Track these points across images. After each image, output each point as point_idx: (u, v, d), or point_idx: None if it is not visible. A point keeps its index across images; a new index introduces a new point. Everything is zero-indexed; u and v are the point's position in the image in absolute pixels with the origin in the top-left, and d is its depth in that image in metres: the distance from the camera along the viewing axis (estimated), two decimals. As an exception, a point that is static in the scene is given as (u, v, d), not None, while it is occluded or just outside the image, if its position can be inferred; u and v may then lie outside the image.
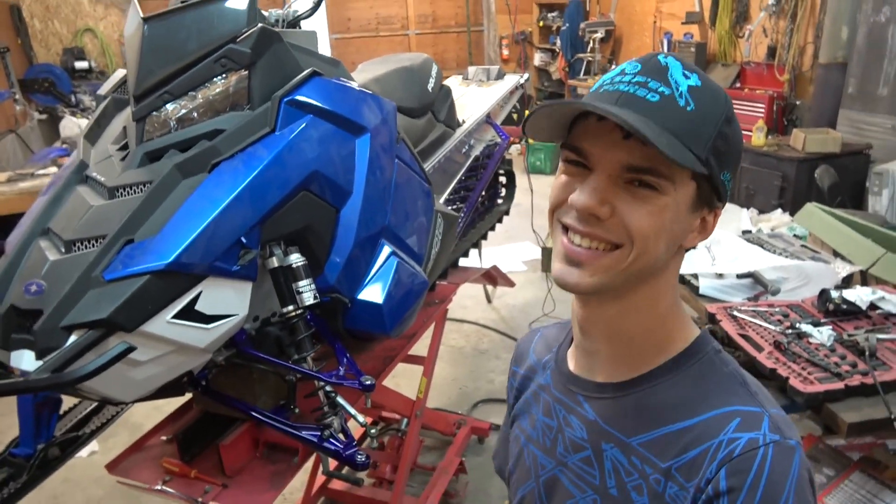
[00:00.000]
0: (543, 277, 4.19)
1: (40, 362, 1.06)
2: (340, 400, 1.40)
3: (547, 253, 4.44)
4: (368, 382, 1.37)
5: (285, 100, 1.32)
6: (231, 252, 1.20)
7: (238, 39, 1.32)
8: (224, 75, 1.33)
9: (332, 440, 1.37)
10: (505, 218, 3.18)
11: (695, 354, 0.70)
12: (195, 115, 1.31)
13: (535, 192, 6.29)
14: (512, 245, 4.76)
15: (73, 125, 4.78)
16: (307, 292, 1.34)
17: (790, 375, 1.64)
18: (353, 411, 1.41)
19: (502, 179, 3.30)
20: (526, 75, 3.38)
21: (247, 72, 1.34)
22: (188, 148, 1.28)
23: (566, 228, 0.66)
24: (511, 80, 3.19)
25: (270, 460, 1.58)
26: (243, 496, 1.46)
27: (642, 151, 0.60)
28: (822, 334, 1.79)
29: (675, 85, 0.62)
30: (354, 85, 1.52)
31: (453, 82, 3.29)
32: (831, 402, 1.60)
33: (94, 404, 1.70)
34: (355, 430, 2.23)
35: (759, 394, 0.66)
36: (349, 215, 1.44)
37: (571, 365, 0.78)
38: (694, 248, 0.70)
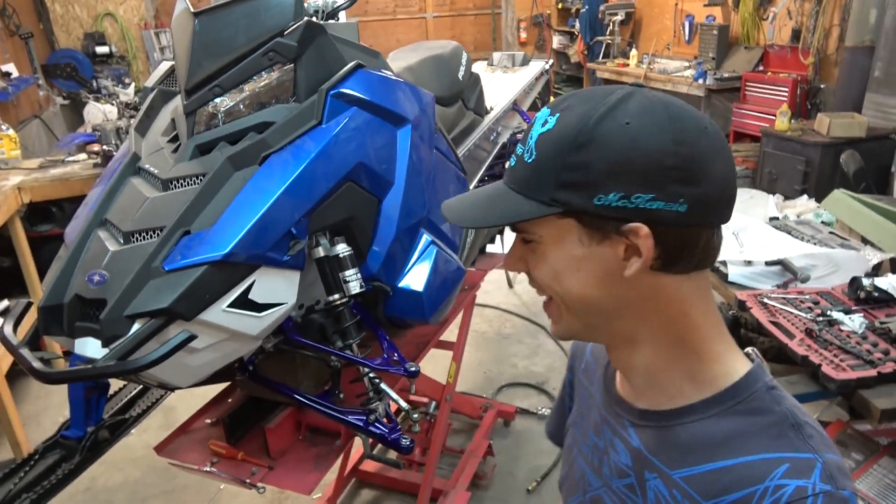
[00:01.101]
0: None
1: (106, 350, 1.10)
2: (384, 386, 1.44)
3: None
4: (413, 369, 1.41)
5: (331, 92, 1.35)
6: (282, 243, 1.24)
7: (285, 33, 1.34)
8: (270, 68, 1.35)
9: (377, 424, 1.41)
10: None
11: (745, 390, 0.66)
12: (242, 107, 1.34)
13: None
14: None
15: (97, 111, 4.83)
16: (353, 281, 1.38)
17: (822, 362, 1.66)
18: (396, 397, 1.45)
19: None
20: (550, 61, 3.37)
21: (292, 65, 1.36)
22: (237, 140, 1.31)
23: None
24: (536, 65, 3.19)
25: (313, 443, 1.62)
26: (289, 477, 1.51)
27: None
28: (854, 322, 1.80)
29: (530, 140, 0.64)
30: (395, 76, 1.54)
31: (479, 68, 3.30)
32: (863, 388, 1.62)
33: (139, 387, 1.76)
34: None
35: (813, 437, 0.63)
36: (391, 205, 1.47)
37: (619, 386, 0.77)
38: (636, 273, 0.63)
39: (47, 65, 5.88)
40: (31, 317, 1.39)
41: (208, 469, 1.54)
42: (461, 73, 2.29)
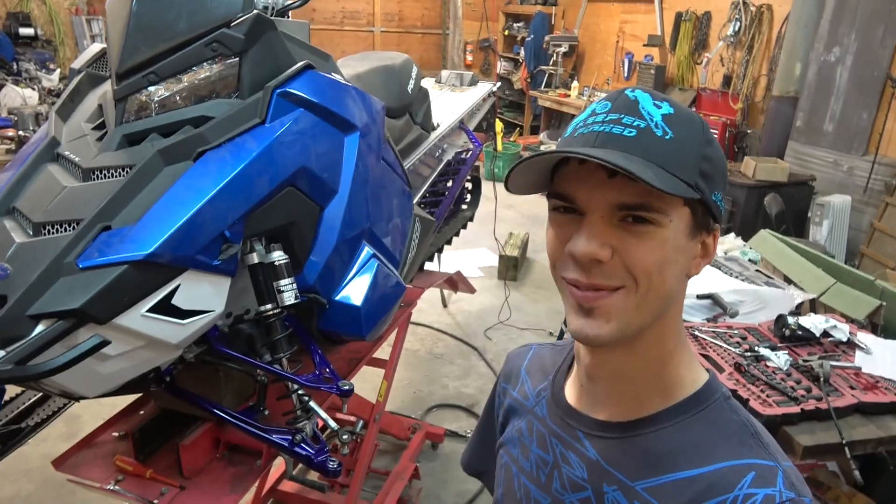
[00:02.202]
0: (500, 285, 4.21)
1: (2, 352, 0.98)
2: (313, 405, 1.36)
3: (504, 261, 4.47)
4: (346, 388, 1.33)
5: (278, 91, 1.28)
6: (213, 246, 1.15)
7: (232, 24, 1.26)
8: (213, 60, 1.27)
9: (303, 445, 1.32)
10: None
11: (704, 400, 0.67)
12: (178, 99, 1.25)
13: (491, 200, 6.34)
14: (469, 251, 4.77)
15: (15, 95, 4.51)
16: (288, 292, 1.30)
17: (750, 397, 1.69)
18: (326, 416, 1.37)
19: (468, 185, 3.30)
20: (498, 83, 3.39)
21: (237, 58, 1.29)
22: (170, 133, 1.22)
23: (570, 283, 0.64)
24: (484, 87, 3.20)
25: (231, 462, 1.52)
26: (202, 499, 1.40)
27: (630, 188, 0.59)
28: (780, 359, 1.85)
29: (648, 117, 0.62)
30: (345, 81, 1.48)
31: (426, 85, 3.27)
32: (787, 425, 1.66)
33: (39, 395, 1.60)
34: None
35: (770, 445, 0.64)
36: (333, 214, 1.41)
37: (570, 398, 0.75)
38: (697, 273, 0.67)
39: (-37, 43, 5.49)
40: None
41: (111, 487, 1.41)
42: (410, 86, 2.25)
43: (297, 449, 1.31)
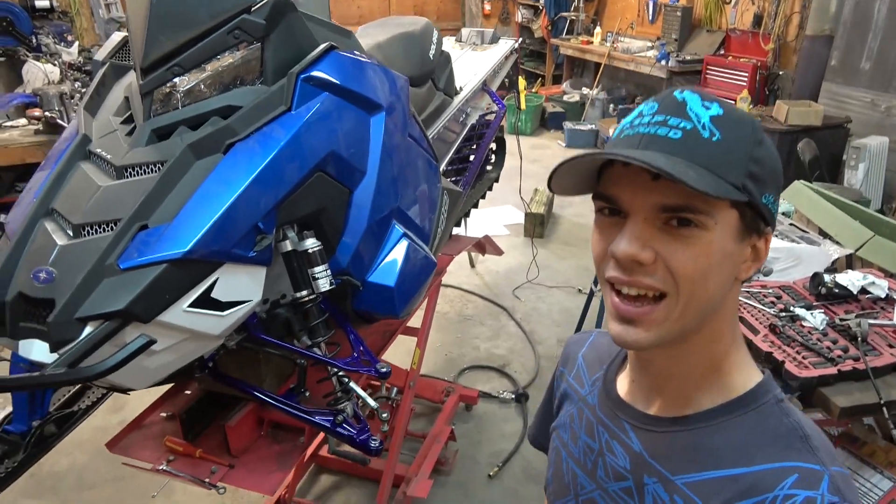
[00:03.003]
0: (527, 243, 4.20)
1: (55, 355, 1.02)
2: (354, 385, 1.39)
3: (530, 218, 4.44)
4: (384, 370, 1.36)
5: (302, 76, 1.26)
6: (248, 238, 1.16)
7: (252, 9, 1.24)
8: (236, 47, 1.25)
9: (345, 425, 1.36)
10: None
11: (755, 400, 0.67)
12: (204, 89, 1.25)
13: (515, 155, 6.25)
14: (494, 209, 4.74)
15: (38, 71, 4.52)
16: (323, 279, 1.31)
17: (786, 359, 1.68)
18: (365, 396, 1.40)
19: (492, 146, 3.26)
20: (520, 40, 3.30)
21: (259, 44, 1.27)
22: (198, 125, 1.22)
23: (613, 285, 0.64)
24: (505, 44, 3.12)
25: (276, 439, 1.57)
26: (251, 477, 1.46)
27: (675, 190, 0.58)
28: (815, 318, 1.83)
29: (696, 118, 0.61)
30: (368, 59, 1.45)
31: (446, 45, 3.20)
32: (824, 386, 1.65)
33: (88, 379, 1.66)
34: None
35: (820, 449, 0.63)
36: (362, 196, 1.40)
37: (621, 390, 0.76)
38: (749, 279, 0.69)
39: (-20, 18, 5.47)
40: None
41: (164, 468, 1.47)
42: (432, 52, 2.21)
43: (339, 430, 1.35)
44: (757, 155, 0.61)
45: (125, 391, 1.25)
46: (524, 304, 3.63)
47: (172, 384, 1.61)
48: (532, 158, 6.14)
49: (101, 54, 1.43)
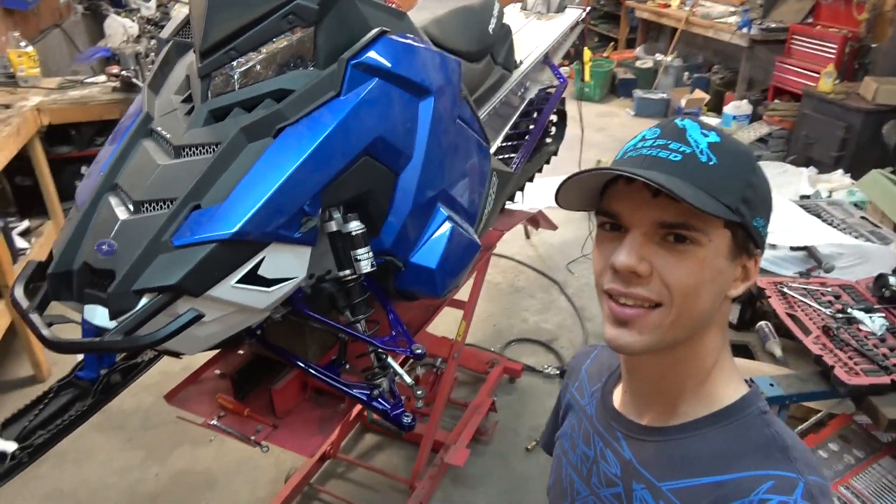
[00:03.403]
0: (584, 217, 4.14)
1: (114, 322, 1.11)
2: (391, 362, 1.44)
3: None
4: (419, 351, 1.40)
5: (352, 62, 1.28)
6: (293, 220, 1.21)
7: (306, -6, 1.26)
8: (290, 32, 1.28)
9: (380, 400, 1.42)
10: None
11: (738, 412, 0.70)
12: (259, 70, 1.29)
13: (578, 123, 6.09)
14: (553, 178, 4.67)
15: (118, 25, 4.69)
16: (364, 260, 1.35)
17: (836, 364, 1.63)
18: (402, 373, 1.45)
19: (553, 118, 3.21)
20: (588, 9, 3.20)
21: (312, 28, 1.29)
22: (253, 107, 1.26)
23: (611, 296, 0.69)
24: (571, 14, 3.03)
25: (318, 404, 1.65)
26: (293, 438, 1.55)
27: (673, 207, 0.63)
28: (874, 322, 1.76)
29: (694, 144, 0.66)
30: (420, 43, 1.46)
31: (511, 12, 3.14)
32: (875, 395, 1.60)
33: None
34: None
35: (799, 460, 0.66)
36: (408, 179, 1.43)
37: (617, 402, 0.81)
38: (739, 296, 0.71)
39: (68, -29, 5.69)
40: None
41: (214, 423, 1.58)
42: (492, 26, 2.18)
43: (374, 403, 1.42)
44: (751, 181, 0.66)
45: (177, 356, 1.34)
46: (577, 279, 3.61)
47: (236, 347, 1.71)
48: (598, 127, 6.00)
49: (165, 32, 1.49)
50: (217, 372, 1.74)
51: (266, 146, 1.21)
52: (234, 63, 1.27)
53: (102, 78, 3.42)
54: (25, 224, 3.09)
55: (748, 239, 0.68)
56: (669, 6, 6.59)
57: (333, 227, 1.35)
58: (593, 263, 0.72)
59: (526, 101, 2.52)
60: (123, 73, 3.18)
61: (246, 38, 1.25)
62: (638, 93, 6.30)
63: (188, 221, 1.14)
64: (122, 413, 2.65)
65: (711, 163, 0.65)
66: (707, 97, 5.93)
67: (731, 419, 0.70)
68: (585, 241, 3.86)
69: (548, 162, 3.06)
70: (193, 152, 1.22)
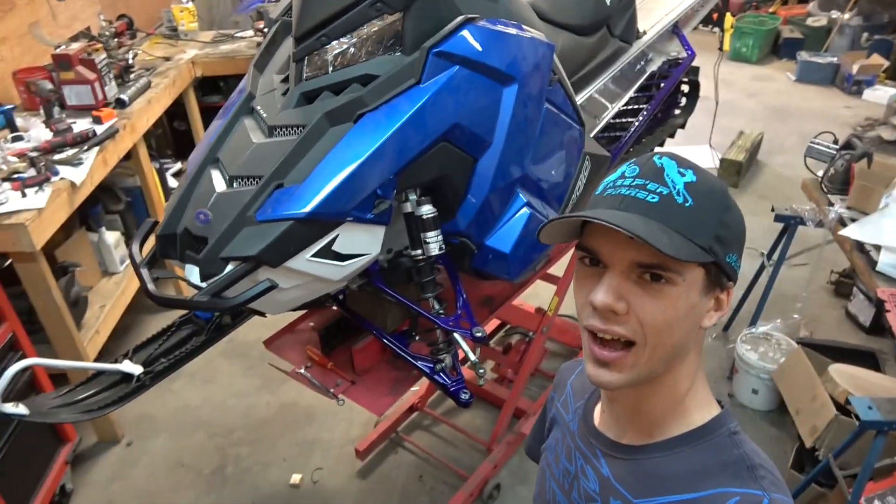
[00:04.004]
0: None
1: (204, 284, 1.26)
2: (458, 337, 1.51)
3: (725, 165, 4.08)
4: (479, 335, 1.45)
5: (434, 51, 1.31)
6: (366, 202, 1.29)
7: (395, -18, 1.30)
8: (379, 18, 1.33)
9: (441, 374, 1.50)
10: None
11: (710, 433, 0.74)
12: (347, 57, 1.35)
13: (729, 86, 5.63)
14: (689, 148, 4.41)
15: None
16: (433, 243, 1.41)
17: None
18: (468, 350, 1.52)
19: (684, 88, 3.02)
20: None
21: (400, 14, 1.33)
22: (341, 90, 1.34)
23: (591, 333, 0.72)
24: (713, -23, 2.80)
25: (394, 367, 1.77)
26: (367, 395, 1.68)
27: (649, 249, 0.64)
28: None
29: (671, 184, 0.67)
30: (511, 28, 1.45)
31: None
32: None
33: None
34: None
35: (766, 478, 0.69)
36: (487, 164, 1.45)
37: (597, 419, 0.84)
38: (711, 324, 0.73)
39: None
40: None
41: (301, 372, 1.75)
42: (610, -3, 2.08)
43: (436, 377, 1.50)
44: (724, 219, 0.69)
45: (262, 314, 1.50)
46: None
47: (319, 308, 1.87)
48: (750, 92, 5.52)
49: (274, 12, 1.59)
50: (311, 324, 1.90)
51: (346, 131, 1.28)
52: (326, 48, 1.35)
53: (250, 32, 3.68)
54: (178, 166, 3.47)
55: (721, 274, 0.70)
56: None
57: (409, 208, 1.41)
58: (574, 296, 0.75)
59: (646, 75, 2.40)
60: (266, 29, 3.40)
61: (337, 25, 1.32)
62: (803, 55, 5.67)
63: (271, 199, 1.25)
64: (246, 344, 2.97)
65: (687, 204, 0.67)
66: (886, 63, 5.22)
67: (703, 439, 0.74)
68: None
69: (672, 136, 2.90)
70: (284, 132, 1.33)
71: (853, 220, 2.07)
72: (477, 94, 1.38)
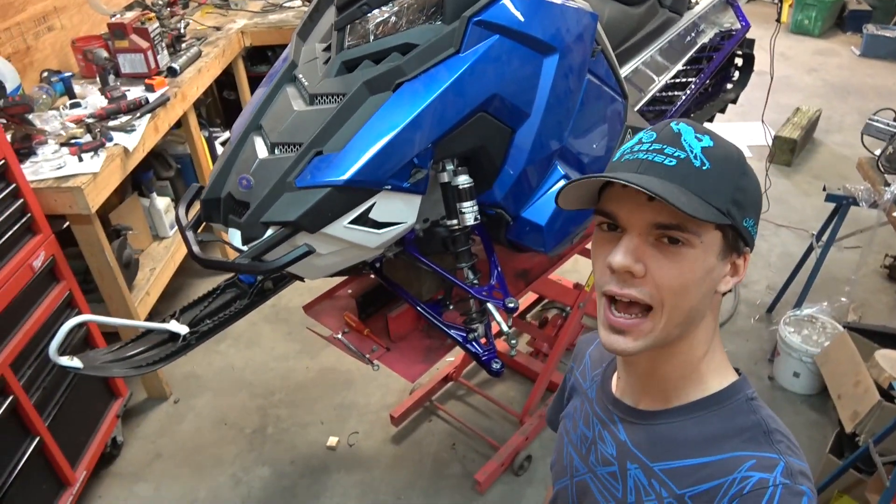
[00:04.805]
0: (773, 170, 3.75)
1: (245, 248, 1.30)
2: (491, 307, 1.52)
3: (778, 143, 3.95)
4: (511, 305, 1.46)
5: (474, 20, 1.31)
6: (403, 171, 1.30)
7: (436, -50, 1.30)
8: (420, -15, 1.33)
9: (474, 343, 1.52)
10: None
11: (727, 399, 0.75)
12: (388, 26, 1.36)
13: (788, 61, 5.42)
14: (742, 124, 4.28)
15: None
16: (469, 213, 1.42)
17: None
18: (500, 320, 1.53)
19: (738, 61, 2.92)
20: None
21: (442, -18, 1.33)
22: (382, 59, 1.35)
23: (608, 299, 0.72)
24: (776, -58, 2.68)
25: (428, 336, 1.80)
26: (400, 362, 1.72)
27: (667, 210, 0.65)
28: None
29: (689, 148, 0.68)
30: (552, -4, 1.43)
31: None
32: None
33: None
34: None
35: (782, 442, 0.70)
36: (524, 136, 1.45)
37: (614, 386, 0.85)
38: (727, 290, 0.73)
39: None
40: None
41: (339, 337, 1.79)
42: (660, -35, 2.02)
43: (468, 346, 1.52)
44: (742, 184, 0.69)
45: (302, 279, 1.54)
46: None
47: (356, 275, 1.90)
48: (810, 67, 5.29)
49: (318, -19, 1.60)
50: (349, 291, 1.95)
51: (384, 100, 1.30)
52: (367, 17, 1.36)
53: (298, 2, 3.70)
54: (227, 134, 3.55)
55: (738, 238, 0.70)
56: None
57: (445, 178, 1.43)
58: (592, 262, 0.75)
59: (696, 46, 2.33)
60: (312, -1, 3.41)
61: (378, -7, 1.33)
62: (870, 28, 5.39)
63: (310, 166, 1.28)
64: (288, 309, 3.05)
65: (705, 167, 0.67)
66: (961, 37, 4.93)
67: (720, 405, 0.74)
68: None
69: (722, 111, 2.82)
70: (324, 100, 1.35)
71: (910, 202, 1.99)
72: (516, 64, 1.37)
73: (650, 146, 0.69)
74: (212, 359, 2.81)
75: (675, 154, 0.67)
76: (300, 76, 1.42)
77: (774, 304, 2.86)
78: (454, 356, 2.65)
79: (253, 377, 2.72)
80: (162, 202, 2.85)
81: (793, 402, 2.43)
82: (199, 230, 1.46)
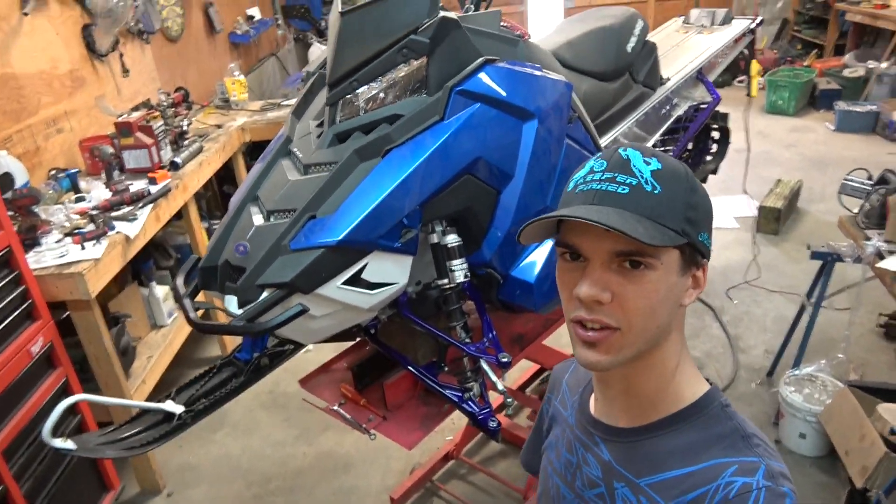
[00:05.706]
0: (750, 241, 3.84)
1: (241, 311, 1.33)
2: (484, 365, 1.53)
3: (763, 212, 4.05)
4: (505, 360, 1.48)
5: (456, 89, 1.40)
6: (394, 231, 1.36)
7: (419, 30, 1.41)
8: (405, 63, 1.44)
9: (470, 402, 1.52)
10: (721, 167, 3.01)
11: (703, 408, 0.77)
12: (377, 100, 1.46)
13: (766, 138, 5.66)
14: (726, 198, 4.40)
15: (319, 52, 5.32)
16: (459, 271, 1.46)
17: None
18: (495, 379, 1.53)
19: (715, 135, 3.07)
20: (759, 18, 3.01)
21: (425, 58, 1.44)
22: (371, 130, 1.43)
23: (577, 323, 0.74)
24: (739, 25, 2.89)
25: (425, 403, 1.79)
26: (398, 430, 1.70)
27: (625, 238, 0.67)
28: None
29: (639, 174, 0.71)
30: (529, 69, 1.54)
31: (671, 28, 3.07)
32: None
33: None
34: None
35: (760, 446, 0.73)
36: (509, 197, 1.51)
37: (592, 409, 0.87)
38: (691, 302, 0.76)
39: (286, 6, 6.54)
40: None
41: (335, 408, 1.78)
42: (630, 45, 2.18)
43: (464, 405, 1.51)
44: (692, 201, 0.72)
45: (300, 346, 1.55)
46: (735, 307, 3.37)
47: (351, 341, 1.92)
48: (788, 143, 5.50)
49: (310, 66, 1.73)
50: (345, 364, 1.95)
51: (374, 165, 1.37)
52: (357, 92, 1.46)
53: (295, 101, 3.91)
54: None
55: (696, 252, 0.74)
56: (889, 6, 5.85)
57: (435, 239, 1.48)
58: (559, 291, 0.78)
59: (672, 119, 2.46)
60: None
61: (367, 71, 1.44)
62: (841, 105, 5.65)
63: (304, 229, 1.33)
64: (286, 395, 3.02)
65: (656, 191, 0.71)
66: (927, 109, 5.16)
67: (697, 415, 0.77)
68: (749, 267, 3.59)
69: (703, 181, 2.93)
70: (317, 169, 1.42)
71: (891, 253, 2.04)
72: (498, 129, 1.46)
73: (602, 175, 0.72)
74: (208, 448, 2.75)
75: (627, 181, 0.70)
76: (295, 150, 1.50)
77: (774, 367, 2.85)
78: (453, 434, 2.60)
79: (249, 465, 2.66)
80: (161, 291, 2.89)
81: (801, 465, 2.37)
82: (196, 298, 1.49)
